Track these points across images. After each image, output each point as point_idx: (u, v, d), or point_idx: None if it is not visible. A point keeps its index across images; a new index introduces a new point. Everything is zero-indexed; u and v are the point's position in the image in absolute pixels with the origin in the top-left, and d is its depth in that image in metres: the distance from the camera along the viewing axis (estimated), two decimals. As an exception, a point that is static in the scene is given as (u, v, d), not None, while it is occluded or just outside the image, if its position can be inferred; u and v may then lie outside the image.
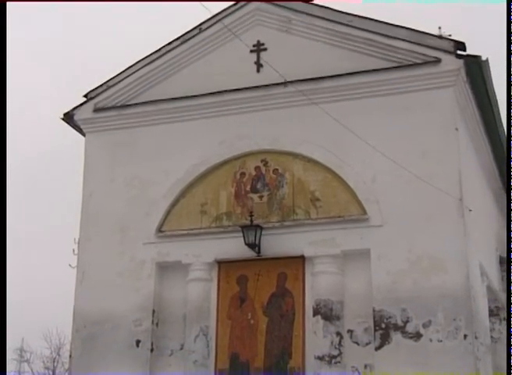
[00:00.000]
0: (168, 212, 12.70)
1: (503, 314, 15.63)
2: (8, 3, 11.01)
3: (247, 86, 12.65)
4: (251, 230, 11.83)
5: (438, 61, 11.72)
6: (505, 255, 16.63)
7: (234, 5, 13.24)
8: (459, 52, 11.70)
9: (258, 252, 11.95)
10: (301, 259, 11.91)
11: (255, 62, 12.92)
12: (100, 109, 13.64)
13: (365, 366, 11.20)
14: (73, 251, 13.09)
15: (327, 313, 11.47)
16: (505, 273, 15.87)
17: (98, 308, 12.47)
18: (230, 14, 13.18)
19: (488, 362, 12.32)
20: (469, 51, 11.69)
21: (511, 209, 12.07)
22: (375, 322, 11.15)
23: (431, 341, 10.82)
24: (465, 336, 10.71)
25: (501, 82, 12.67)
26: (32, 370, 36.88)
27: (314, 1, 12.99)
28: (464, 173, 11.66)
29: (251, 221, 11.96)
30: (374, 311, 11.19)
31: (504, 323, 15.61)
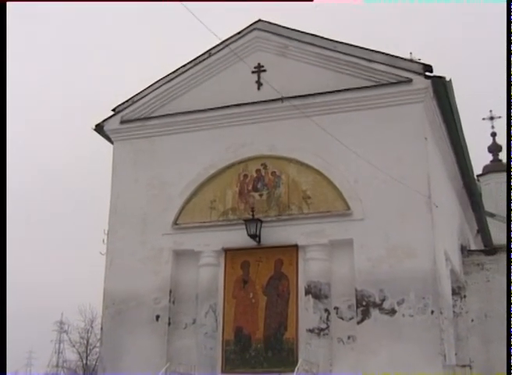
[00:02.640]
0: (182, 208, 12.63)
1: (464, 292, 15.63)
2: (8, 3, 10.00)
3: (249, 101, 12.60)
4: (253, 223, 11.79)
5: (409, 81, 11.66)
6: (465, 244, 16.63)
7: (238, 33, 13.18)
8: (427, 74, 11.67)
9: (259, 242, 11.89)
10: (295, 248, 11.85)
11: (256, 82, 12.84)
12: (126, 121, 13.57)
13: (348, 337, 11.18)
14: (103, 240, 13.04)
15: (317, 293, 11.43)
16: (465, 259, 15.85)
17: (124, 289, 12.43)
18: (235, 41, 13.12)
19: (450, 333, 12.47)
20: (436, 72, 11.68)
21: (511, 209, 11.96)
22: (357, 300, 11.12)
23: (403, 316, 10.81)
24: (432, 311, 10.70)
25: (462, 98, 12.63)
26: (70, 339, 36.96)
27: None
28: (432, 175, 11.62)
29: (253, 215, 11.91)
30: (356, 291, 11.15)
31: (464, 300, 15.60)
